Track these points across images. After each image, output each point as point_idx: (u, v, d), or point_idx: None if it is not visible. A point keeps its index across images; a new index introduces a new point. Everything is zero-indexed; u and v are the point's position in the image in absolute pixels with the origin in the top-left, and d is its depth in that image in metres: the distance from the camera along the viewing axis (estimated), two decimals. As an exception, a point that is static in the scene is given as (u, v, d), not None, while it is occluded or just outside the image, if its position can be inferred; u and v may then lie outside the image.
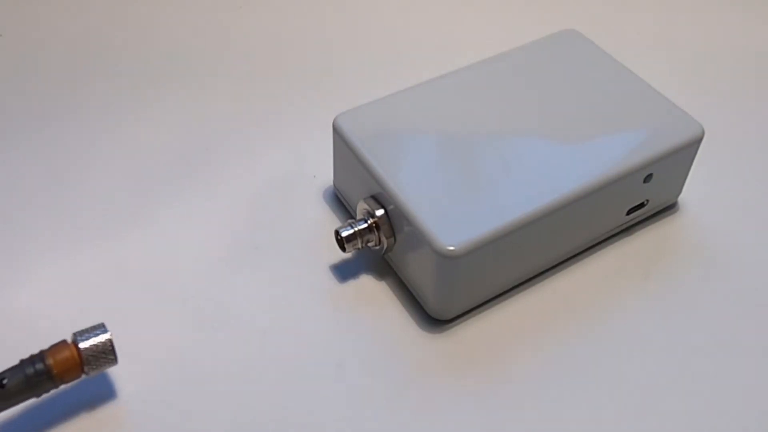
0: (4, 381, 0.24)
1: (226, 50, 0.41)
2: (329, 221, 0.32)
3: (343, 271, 0.30)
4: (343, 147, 0.30)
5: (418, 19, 0.44)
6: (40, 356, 0.25)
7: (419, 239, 0.27)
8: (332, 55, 0.41)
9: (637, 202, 0.31)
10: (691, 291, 0.30)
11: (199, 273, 0.30)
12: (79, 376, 0.25)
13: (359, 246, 0.29)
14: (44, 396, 0.25)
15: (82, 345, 0.25)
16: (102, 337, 0.25)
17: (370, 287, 0.30)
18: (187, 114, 0.37)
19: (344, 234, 0.29)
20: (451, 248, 0.26)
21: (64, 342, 0.25)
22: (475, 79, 0.32)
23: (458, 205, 0.27)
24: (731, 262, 0.31)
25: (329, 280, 0.30)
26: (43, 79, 0.39)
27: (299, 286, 0.29)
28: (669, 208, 0.33)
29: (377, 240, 0.29)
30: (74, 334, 0.25)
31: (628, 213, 0.31)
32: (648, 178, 0.30)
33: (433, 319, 0.29)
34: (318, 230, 0.31)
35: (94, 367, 0.25)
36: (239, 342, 0.28)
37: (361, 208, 0.29)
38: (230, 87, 0.39)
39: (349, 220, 0.29)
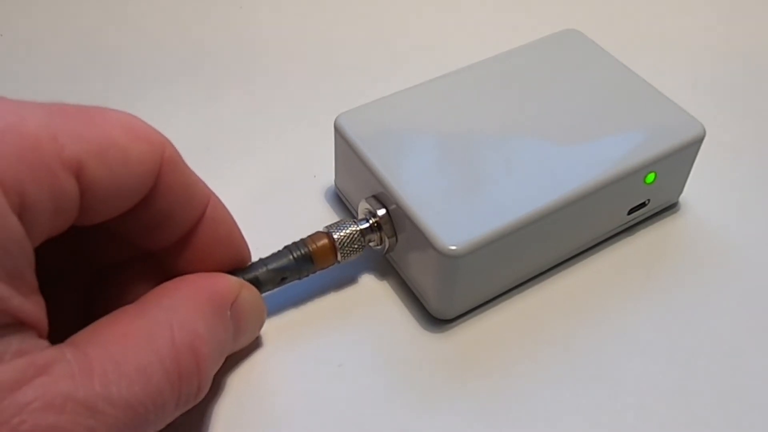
0: (285, 277, 0.27)
1: (227, 50, 0.41)
2: (330, 221, 0.32)
3: (344, 271, 0.30)
4: (345, 147, 0.30)
5: (418, 19, 0.44)
6: (303, 242, 0.27)
7: (421, 239, 0.27)
8: (333, 55, 0.41)
9: (638, 201, 0.31)
10: (691, 291, 0.30)
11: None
12: (333, 263, 0.28)
13: (360, 246, 0.29)
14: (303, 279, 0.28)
15: (336, 235, 0.27)
16: (351, 229, 0.28)
17: (371, 287, 0.30)
18: (187, 114, 0.37)
19: (346, 233, 0.29)
20: (453, 248, 0.26)
21: (320, 232, 0.28)
22: (476, 79, 0.32)
23: (460, 205, 0.27)
24: (732, 261, 0.31)
25: (330, 279, 0.30)
26: (43, 78, 0.39)
27: (299, 286, 0.29)
28: (670, 208, 0.33)
29: (379, 240, 0.29)
30: (327, 227, 0.28)
31: (629, 213, 0.31)
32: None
33: (435, 318, 0.29)
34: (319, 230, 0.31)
35: (345, 254, 0.28)
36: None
37: (363, 207, 0.29)
38: (230, 87, 0.39)
39: (351, 220, 0.29)
